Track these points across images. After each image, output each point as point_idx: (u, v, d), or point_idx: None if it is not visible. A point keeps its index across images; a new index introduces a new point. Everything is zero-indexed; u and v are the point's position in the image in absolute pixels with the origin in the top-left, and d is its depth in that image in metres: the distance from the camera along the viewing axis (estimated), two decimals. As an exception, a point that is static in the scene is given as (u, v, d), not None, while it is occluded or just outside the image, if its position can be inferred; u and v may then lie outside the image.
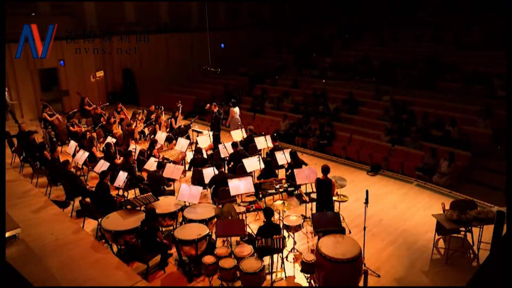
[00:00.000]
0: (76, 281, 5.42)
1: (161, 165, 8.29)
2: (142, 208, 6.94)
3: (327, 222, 6.19)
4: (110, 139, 10.39)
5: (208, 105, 12.14)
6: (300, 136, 12.81)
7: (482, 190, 9.21)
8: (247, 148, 10.00)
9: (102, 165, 8.63)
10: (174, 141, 10.93)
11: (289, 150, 9.12)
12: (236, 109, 12.30)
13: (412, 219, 7.84)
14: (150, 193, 7.26)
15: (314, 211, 7.14)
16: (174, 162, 9.06)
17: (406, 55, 16.04)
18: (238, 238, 6.44)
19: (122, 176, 7.84)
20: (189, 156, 9.73)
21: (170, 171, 8.36)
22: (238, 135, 10.78)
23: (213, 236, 6.44)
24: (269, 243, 5.55)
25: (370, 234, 7.15)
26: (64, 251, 6.14)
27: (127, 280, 5.42)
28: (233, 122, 12.21)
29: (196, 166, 8.82)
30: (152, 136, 11.43)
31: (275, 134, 10.43)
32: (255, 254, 5.72)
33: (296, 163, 8.45)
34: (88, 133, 11.18)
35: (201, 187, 7.40)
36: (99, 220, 6.93)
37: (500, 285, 3.41)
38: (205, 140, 10.55)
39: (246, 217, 7.01)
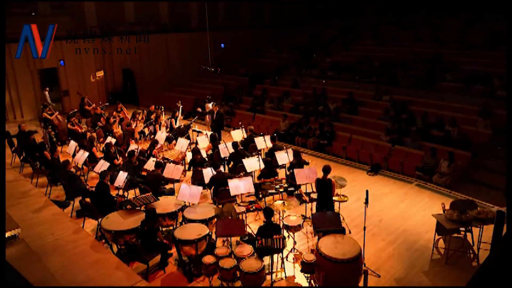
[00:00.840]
0: (76, 281, 5.41)
1: (159, 165, 8.29)
2: (142, 208, 6.94)
3: (327, 222, 6.20)
4: (110, 139, 10.40)
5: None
6: (300, 136, 12.80)
7: (482, 190, 9.22)
8: (247, 148, 10.01)
9: (102, 165, 8.65)
10: (174, 141, 10.94)
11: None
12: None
13: (412, 219, 7.84)
14: (150, 193, 7.28)
15: (314, 211, 7.14)
16: (174, 162, 9.06)
17: (406, 55, 16.02)
18: (238, 238, 6.45)
19: (122, 176, 7.84)
20: (189, 156, 9.74)
21: (170, 171, 8.38)
22: (238, 135, 10.80)
23: (213, 236, 6.44)
24: (269, 243, 5.54)
25: (370, 234, 7.15)
26: (64, 251, 6.14)
27: (127, 280, 5.42)
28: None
29: (196, 166, 8.82)
30: (152, 136, 11.44)
31: (274, 135, 10.43)
32: (255, 254, 5.72)
33: (298, 162, 8.45)
34: (88, 133, 11.19)
35: (201, 187, 7.39)
36: (99, 220, 6.93)
37: (500, 285, 3.41)
38: (205, 140, 10.56)
39: (246, 217, 7.01)
